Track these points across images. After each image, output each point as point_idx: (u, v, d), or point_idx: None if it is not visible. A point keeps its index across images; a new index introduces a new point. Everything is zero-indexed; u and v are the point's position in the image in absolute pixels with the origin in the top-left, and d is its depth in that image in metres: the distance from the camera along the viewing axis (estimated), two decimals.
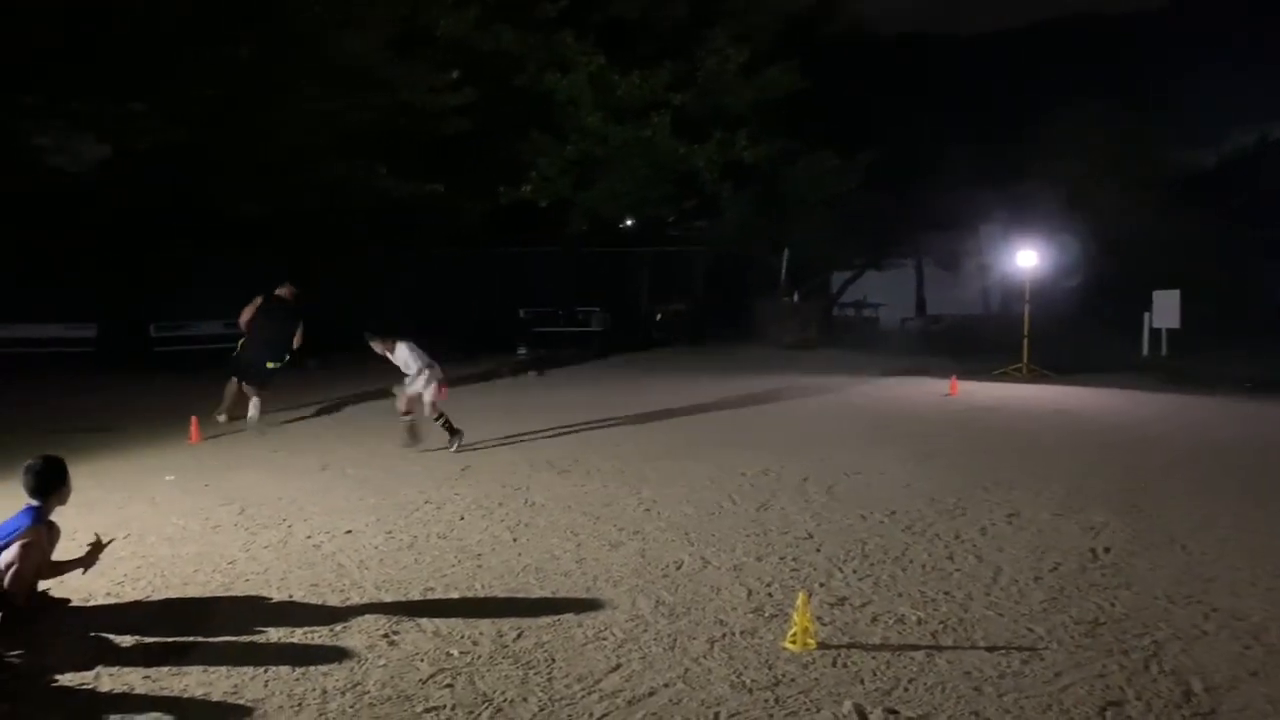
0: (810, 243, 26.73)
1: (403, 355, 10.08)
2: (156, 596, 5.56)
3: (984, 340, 23.18)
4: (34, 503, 5.24)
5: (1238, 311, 22.57)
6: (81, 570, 5.46)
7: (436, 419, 10.07)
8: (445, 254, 24.23)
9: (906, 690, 4.25)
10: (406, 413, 10.19)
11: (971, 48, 41.40)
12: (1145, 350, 19.97)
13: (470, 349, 20.52)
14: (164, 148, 17.89)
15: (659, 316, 24.71)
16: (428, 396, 10.06)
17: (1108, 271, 27.15)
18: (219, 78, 17.65)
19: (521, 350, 21.39)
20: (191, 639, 4.86)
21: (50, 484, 5.30)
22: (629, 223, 27.76)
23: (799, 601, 4.79)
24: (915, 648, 4.71)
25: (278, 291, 12.54)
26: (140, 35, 16.63)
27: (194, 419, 11.06)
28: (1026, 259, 18.05)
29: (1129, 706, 4.10)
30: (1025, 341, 17.45)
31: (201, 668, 4.49)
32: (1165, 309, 19.65)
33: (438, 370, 10.20)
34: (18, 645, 4.75)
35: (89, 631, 4.97)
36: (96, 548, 5.47)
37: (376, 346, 10.20)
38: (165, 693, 4.27)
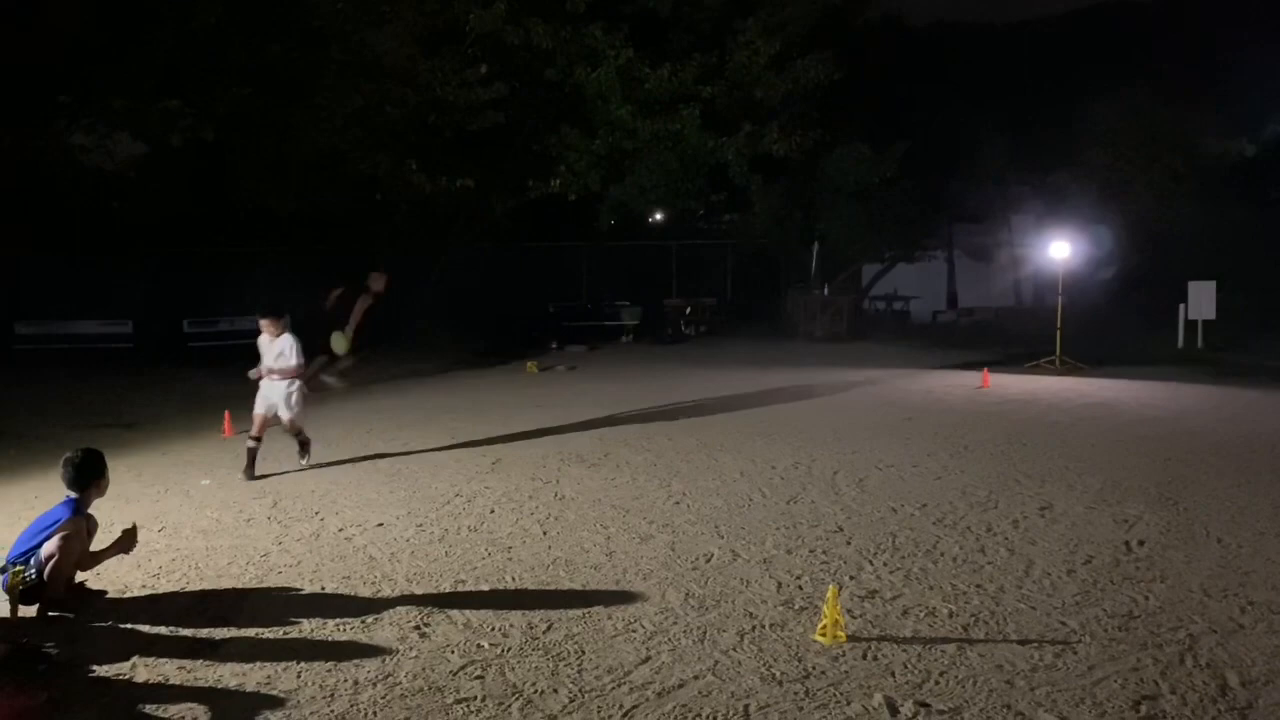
0: (841, 235, 26.57)
1: (285, 343, 9.00)
2: (191, 589, 5.63)
3: (1017, 333, 22.97)
4: (73, 495, 5.31)
5: (1276, 303, 22.21)
6: (122, 554, 5.54)
7: (296, 434, 9.19)
8: (476, 249, 24.30)
9: (938, 683, 4.23)
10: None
11: (1005, 36, 40.93)
12: (1181, 342, 19.71)
13: (501, 343, 20.60)
14: (197, 145, 18.06)
15: (689, 310, 24.65)
16: (289, 409, 9.01)
17: (1142, 263, 26.81)
18: (250, 75, 17.80)
19: (553, 344, 21.43)
20: (225, 630, 4.93)
21: (89, 476, 5.37)
22: (658, 216, 27.71)
23: (829, 594, 4.77)
24: (946, 641, 4.69)
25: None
26: (173, 33, 16.80)
27: (227, 413, 11.16)
28: (1060, 251, 17.85)
29: (1163, 700, 4.06)
30: (1058, 334, 17.27)
31: (235, 659, 4.54)
32: (1201, 300, 19.38)
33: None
34: (55, 636, 4.82)
35: (125, 623, 5.04)
36: (129, 534, 5.56)
37: (269, 326, 9.02)
38: (200, 684, 4.32)
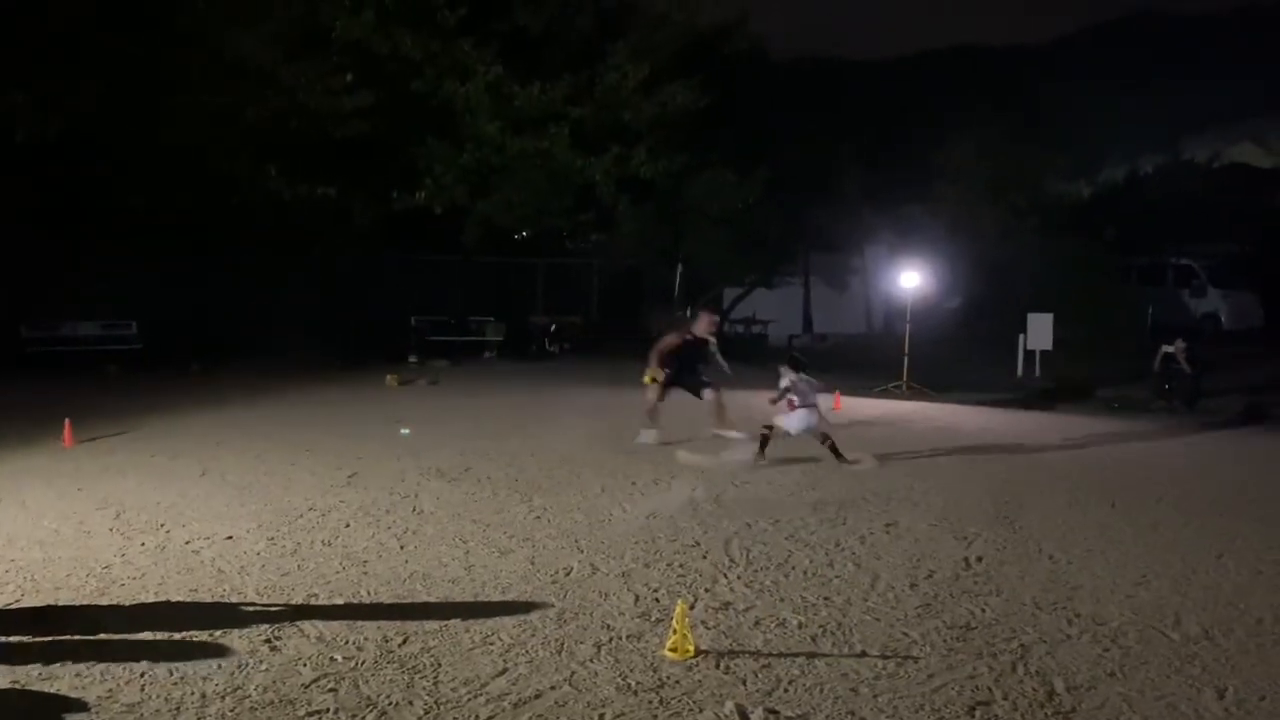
0: (705, 258, 27.04)
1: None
2: (26, 601, 5.38)
3: (867, 358, 23.74)
4: None
5: (1107, 335, 23.57)
6: None
7: None
8: (337, 258, 23.80)
9: (787, 691, 4.37)
10: None
11: (866, 73, 42.49)
12: (1020, 370, 20.71)
13: (361, 355, 20.22)
14: (43, 141, 17.20)
15: (554, 327, 24.67)
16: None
17: (986, 294, 28.09)
18: (101, 69, 17.09)
19: (413, 358, 21.14)
20: (63, 643, 4.72)
21: None
22: (525, 233, 27.67)
23: (678, 610, 4.87)
24: (796, 651, 4.84)
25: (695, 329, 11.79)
26: (22, 24, 16.02)
27: (68, 422, 10.65)
28: (909, 280, 18.57)
29: (996, 706, 4.29)
30: (906, 360, 17.95)
31: (74, 671, 4.37)
32: (1039, 331, 20.42)
33: None
34: None
35: None
36: None
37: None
38: (36, 698, 4.14)
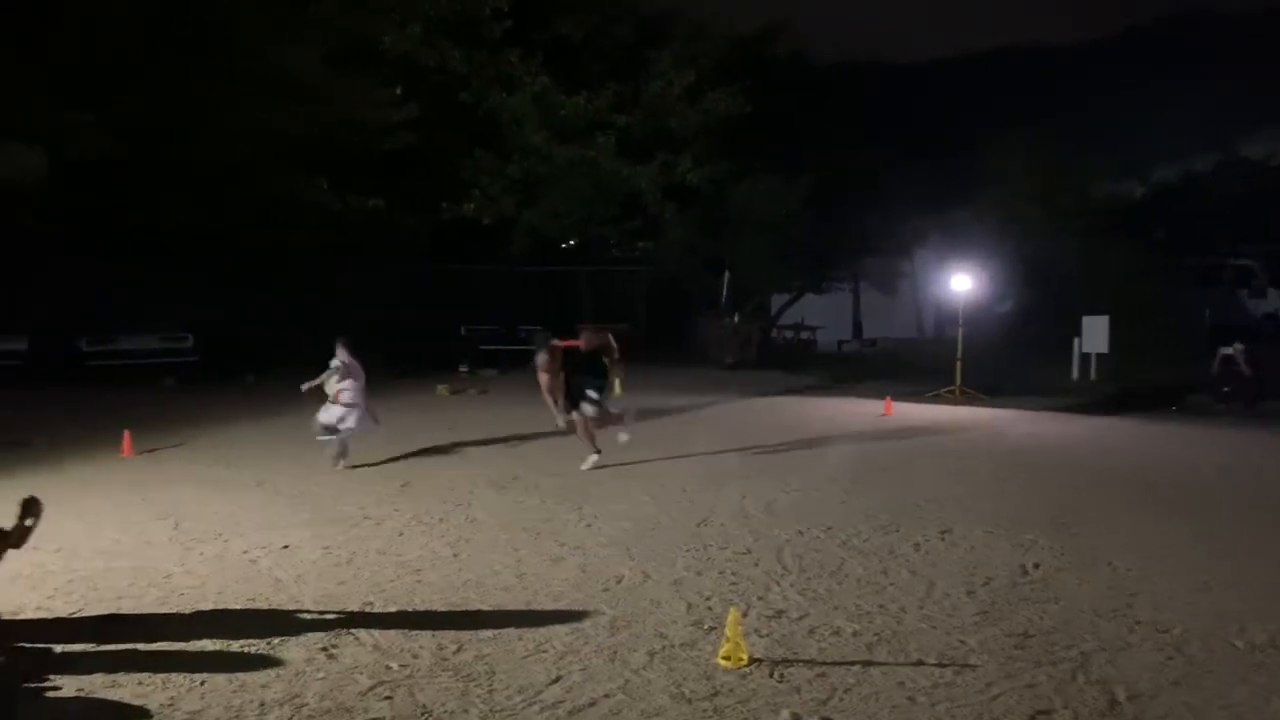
0: (751, 265, 26.99)
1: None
2: (89, 610, 5.47)
3: (918, 363, 23.53)
4: None
5: (1164, 337, 23.17)
6: (13, 546, 5.19)
7: None
8: (386, 269, 24.07)
9: (842, 700, 4.33)
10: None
11: (912, 76, 42.18)
12: (1075, 374, 20.42)
13: (412, 366, 20.39)
14: (103, 159, 17.61)
15: None
16: None
17: (1039, 297, 27.73)
18: (158, 88, 17.44)
19: (464, 367, 21.30)
20: (126, 652, 4.80)
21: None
22: (571, 242, 27.81)
23: (730, 618, 4.84)
24: (851, 660, 4.80)
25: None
26: (85, 46, 16.41)
27: (127, 433, 10.87)
28: (960, 283, 18.40)
29: (1057, 715, 4.22)
30: (958, 365, 17.77)
31: (137, 680, 4.43)
32: (1094, 334, 20.13)
33: None
34: None
35: (19, 644, 4.88)
36: (27, 512, 5.14)
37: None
38: (100, 706, 4.21)
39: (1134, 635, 5.20)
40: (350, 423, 10.16)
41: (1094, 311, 20.40)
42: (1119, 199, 33.75)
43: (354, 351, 10.63)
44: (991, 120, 32.07)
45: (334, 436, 10.16)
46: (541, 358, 9.81)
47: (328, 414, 10.23)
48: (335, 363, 10.37)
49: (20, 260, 19.50)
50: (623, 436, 10.57)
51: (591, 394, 9.98)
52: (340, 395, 10.29)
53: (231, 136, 18.84)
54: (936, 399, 17.09)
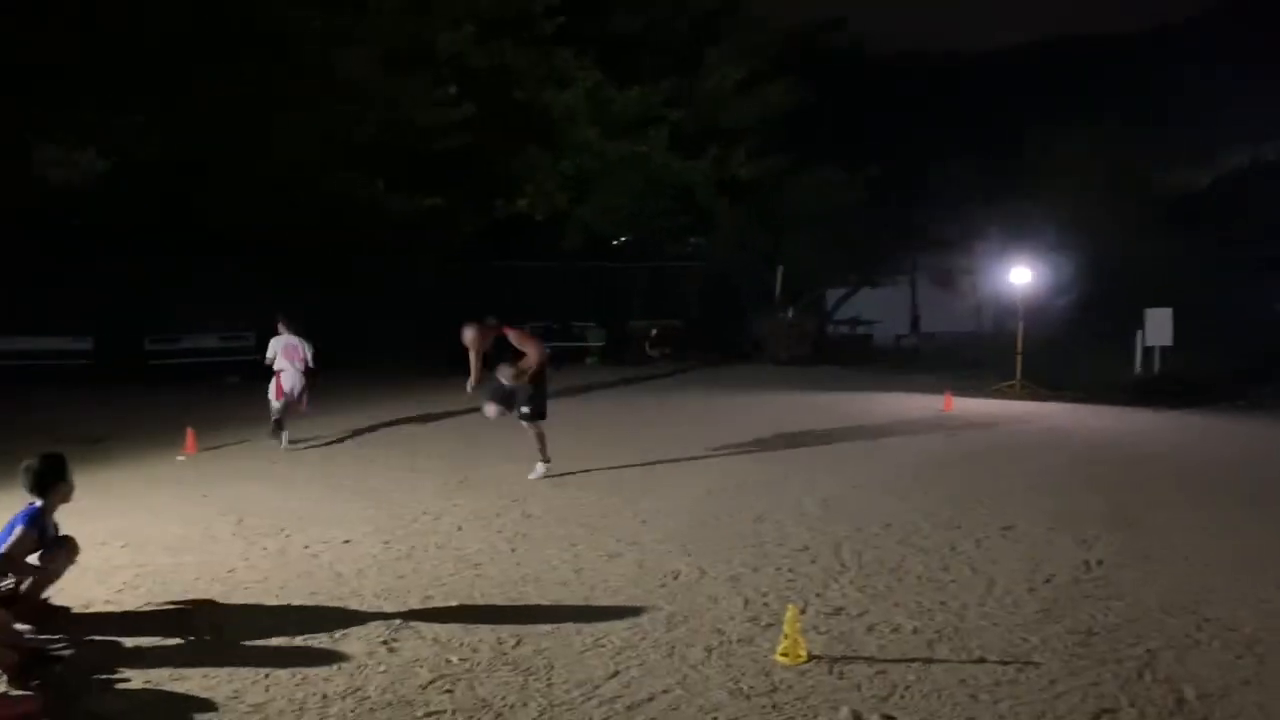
0: (805, 259, 26.83)
1: None
2: (156, 604, 5.58)
3: (978, 357, 23.25)
4: (36, 502, 5.25)
5: (1231, 329, 22.65)
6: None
7: None
8: (442, 267, 24.27)
9: (903, 697, 4.29)
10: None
11: (969, 66, 41.57)
12: (1138, 367, 20.03)
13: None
14: (163, 161, 17.96)
15: (654, 332, 24.75)
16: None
17: (1101, 289, 27.26)
18: (220, 91, 17.74)
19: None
20: (192, 645, 4.90)
21: (50, 481, 5.29)
22: (624, 238, 27.85)
23: (788, 615, 4.81)
24: (911, 657, 4.75)
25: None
26: (142, 49, 16.72)
27: (190, 431, 11.07)
28: (1020, 276, 18.14)
29: (1123, 714, 4.14)
30: (1019, 358, 17.52)
31: (202, 673, 4.52)
32: (1158, 326, 19.71)
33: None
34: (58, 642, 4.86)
35: (89, 637, 4.99)
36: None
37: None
38: (167, 698, 4.30)
39: (1202, 633, 5.09)
40: (278, 403, 11.17)
41: (1158, 303, 19.99)
42: (1185, 188, 33.03)
43: (294, 329, 11.47)
44: (1052, 110, 31.45)
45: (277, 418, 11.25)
46: (470, 332, 9.62)
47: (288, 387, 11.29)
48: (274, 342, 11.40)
49: (85, 261, 19.96)
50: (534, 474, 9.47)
51: (524, 408, 9.32)
52: (281, 376, 11.24)
53: (290, 138, 19.10)
54: (997, 393, 16.87)
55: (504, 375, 9.34)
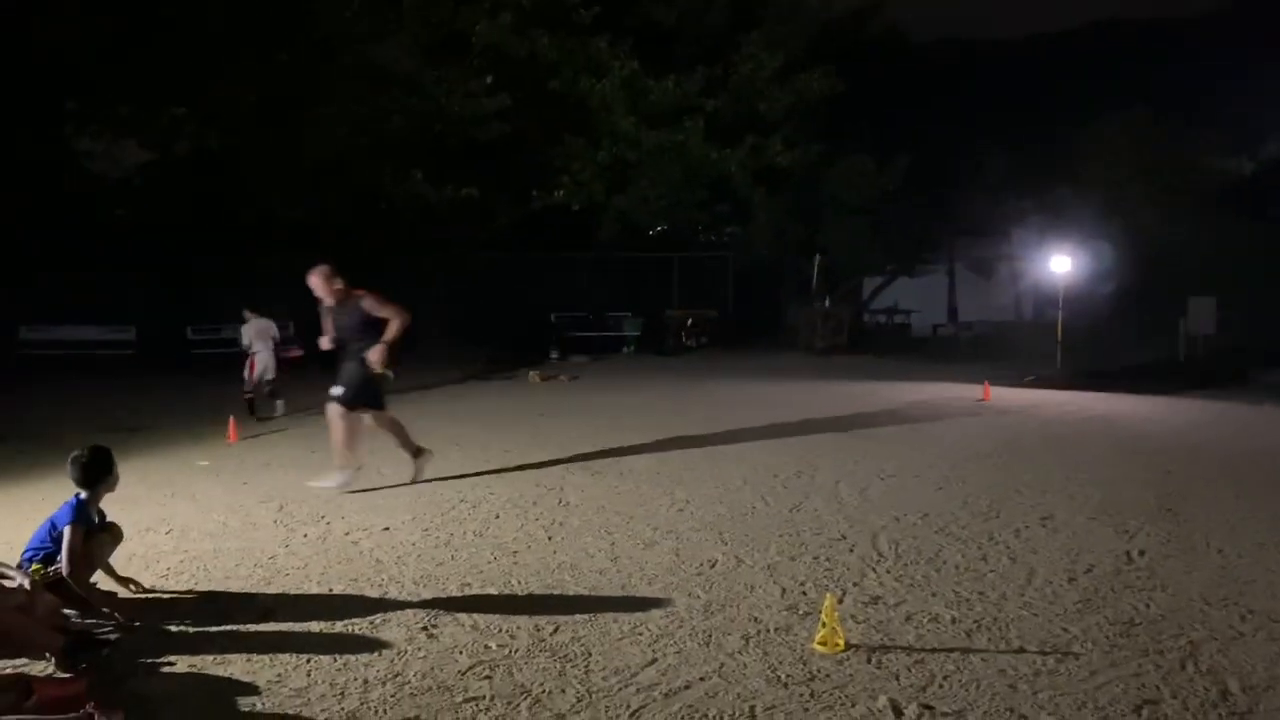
0: (842, 248, 26.69)
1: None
2: (200, 589, 5.66)
3: (1017, 346, 23.04)
4: (82, 493, 5.34)
5: (1275, 317, 22.31)
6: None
7: None
8: (479, 258, 24.38)
9: (941, 687, 4.27)
10: None
11: (1007, 53, 41.12)
12: (1181, 356, 19.78)
13: (503, 353, 20.65)
14: (203, 153, 18.18)
15: (690, 321, 24.74)
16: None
17: (1142, 277, 26.93)
18: (257, 83, 17.91)
19: (554, 354, 21.50)
20: (235, 630, 4.96)
21: (97, 473, 5.39)
22: (660, 228, 27.84)
23: (826, 604, 4.80)
24: (950, 647, 4.73)
25: None
26: (181, 42, 16.91)
27: (231, 419, 11.22)
28: (1060, 265, 17.96)
29: (1165, 705, 4.10)
30: (1059, 347, 17.35)
31: (245, 658, 4.58)
32: (1201, 315, 19.46)
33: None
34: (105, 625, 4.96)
35: (135, 622, 5.07)
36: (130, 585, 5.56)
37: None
38: (211, 682, 4.36)
39: (1246, 625, 5.02)
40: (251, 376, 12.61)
41: (1201, 291, 19.72)
42: (1228, 175, 32.51)
43: (261, 313, 12.96)
44: (1092, 96, 31.07)
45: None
46: (313, 278, 8.54)
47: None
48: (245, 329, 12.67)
49: (128, 252, 20.25)
50: (325, 482, 8.30)
51: (339, 389, 8.17)
52: (255, 358, 12.70)
53: (329, 130, 19.26)
54: (1036, 383, 16.71)
55: (373, 360, 8.09)
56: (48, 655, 4.48)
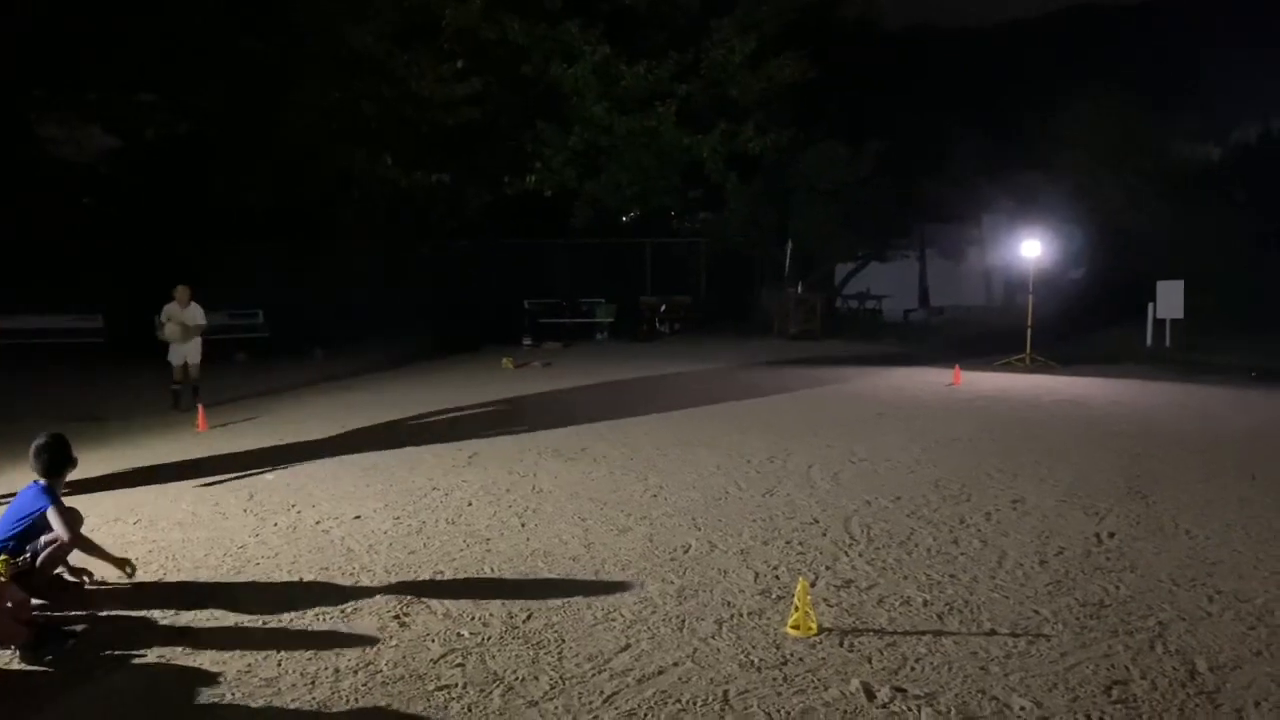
0: (815, 234, 26.74)
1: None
2: (168, 579, 5.61)
3: (987, 331, 23.18)
4: (42, 481, 5.29)
5: (1242, 302, 22.54)
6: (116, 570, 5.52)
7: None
8: (450, 244, 24.26)
9: (913, 669, 4.29)
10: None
11: (978, 38, 41.28)
12: (1149, 340, 19.96)
13: (475, 340, 20.57)
14: (171, 139, 17.96)
15: (663, 308, 24.73)
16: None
17: (1111, 263, 27.12)
18: (226, 69, 17.71)
19: (527, 341, 21.44)
20: (204, 620, 4.92)
21: (61, 461, 5.38)
22: (633, 214, 27.77)
23: (799, 588, 4.82)
24: (922, 629, 4.75)
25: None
26: (149, 27, 16.69)
27: (200, 407, 11.11)
28: (1030, 250, 18.05)
29: (1134, 685, 4.14)
30: (1029, 332, 17.46)
31: (214, 648, 4.54)
32: (1169, 299, 19.62)
33: None
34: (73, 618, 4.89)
35: (103, 612, 5.02)
36: (128, 567, 5.55)
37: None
38: (179, 672, 4.32)
39: (1214, 605, 5.08)
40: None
41: (1169, 277, 19.89)
42: (1197, 161, 32.78)
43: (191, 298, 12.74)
44: (1062, 82, 31.22)
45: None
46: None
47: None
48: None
49: (94, 239, 19.99)
50: None
51: None
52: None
53: (299, 116, 19.07)
54: (1007, 367, 16.82)
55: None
56: (13, 648, 4.43)
